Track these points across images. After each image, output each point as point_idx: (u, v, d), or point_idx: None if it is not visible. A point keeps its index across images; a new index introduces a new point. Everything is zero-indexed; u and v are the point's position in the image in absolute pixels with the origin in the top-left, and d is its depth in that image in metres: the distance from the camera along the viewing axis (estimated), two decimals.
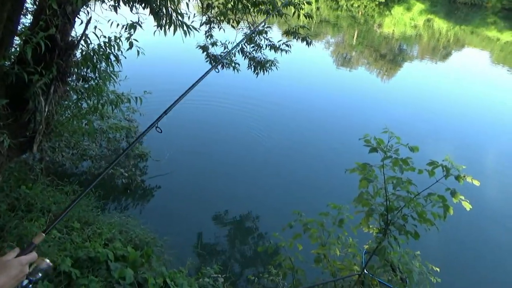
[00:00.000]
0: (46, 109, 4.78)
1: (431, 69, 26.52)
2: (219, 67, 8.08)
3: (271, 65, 8.43)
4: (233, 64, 8.39)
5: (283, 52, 8.39)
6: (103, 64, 5.41)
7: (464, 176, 3.54)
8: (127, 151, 2.34)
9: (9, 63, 4.23)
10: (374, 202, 3.79)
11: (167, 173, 8.36)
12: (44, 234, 1.46)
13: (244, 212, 8.01)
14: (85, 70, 5.45)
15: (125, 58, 5.55)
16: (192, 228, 7.17)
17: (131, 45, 5.40)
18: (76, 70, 5.39)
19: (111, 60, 5.38)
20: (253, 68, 8.43)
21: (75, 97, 5.78)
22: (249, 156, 10.63)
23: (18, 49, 4.33)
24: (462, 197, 3.53)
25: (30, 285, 1.36)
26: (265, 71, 8.35)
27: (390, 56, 28.31)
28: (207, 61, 8.36)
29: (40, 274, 1.38)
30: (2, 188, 4.75)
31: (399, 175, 3.71)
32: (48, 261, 1.42)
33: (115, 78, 5.68)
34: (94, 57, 5.23)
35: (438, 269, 4.54)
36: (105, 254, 3.32)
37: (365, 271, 4.10)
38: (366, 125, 13.13)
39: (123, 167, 7.59)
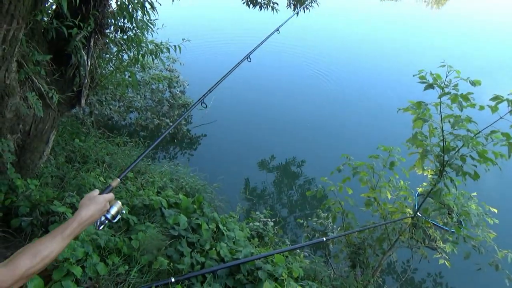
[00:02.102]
0: (89, 63, 4.85)
1: None
2: (257, 7, 7.75)
3: (312, 1, 7.93)
4: (271, 4, 8.00)
5: None
6: (139, 13, 5.32)
7: None
8: (183, 117, 2.46)
9: (47, 18, 4.24)
10: (429, 143, 3.58)
11: (211, 122, 8.43)
12: (119, 179, 1.75)
13: (289, 157, 8.02)
14: (122, 20, 5.40)
15: (160, 5, 5.41)
16: (239, 174, 7.31)
17: None
18: (113, 21, 5.35)
19: (146, 8, 5.27)
20: (292, 7, 8.00)
21: (115, 49, 5.80)
22: (293, 101, 10.43)
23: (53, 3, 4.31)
24: None
25: (106, 221, 1.61)
26: (305, 9, 7.89)
27: None
28: (244, 3, 8.02)
29: (112, 213, 1.61)
30: (58, 142, 5.00)
31: (457, 112, 3.43)
32: (120, 202, 1.66)
33: (152, 27, 5.59)
34: (129, 6, 5.14)
35: (496, 210, 4.33)
36: (158, 202, 3.45)
37: (418, 213, 3.99)
38: (417, 61, 12.35)
39: (168, 117, 7.73)
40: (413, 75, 3.50)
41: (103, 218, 1.58)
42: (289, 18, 4.52)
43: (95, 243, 2.69)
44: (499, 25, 18.02)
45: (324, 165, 6.57)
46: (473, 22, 18.18)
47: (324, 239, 3.39)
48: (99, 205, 1.49)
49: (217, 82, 2.76)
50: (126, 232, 3.07)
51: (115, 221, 1.64)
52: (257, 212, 5.00)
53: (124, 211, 1.70)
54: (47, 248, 1.29)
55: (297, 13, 8.02)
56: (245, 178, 7.17)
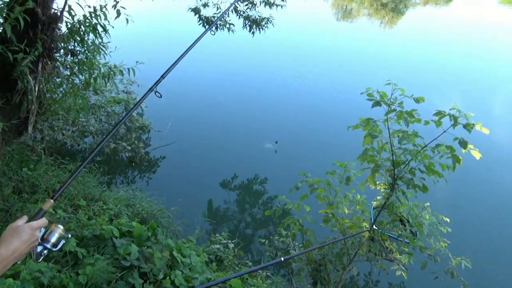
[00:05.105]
0: (37, 88, 4.66)
1: (435, 15, 25.62)
2: (213, 29, 7.80)
3: (267, 22, 8.11)
4: (227, 25, 8.08)
5: (279, 7, 8.06)
6: (91, 36, 5.21)
7: (473, 124, 3.38)
8: (127, 116, 2.25)
9: None
10: (380, 158, 3.68)
11: (171, 143, 8.29)
12: (52, 200, 1.48)
13: (251, 176, 8.00)
14: (72, 43, 5.27)
15: (113, 27, 5.34)
16: (200, 196, 7.18)
17: (118, 13, 5.17)
18: (62, 44, 5.21)
19: (98, 31, 5.17)
20: (248, 28, 8.12)
21: (66, 73, 5.64)
22: (252, 119, 10.49)
23: None
24: (472, 146, 3.39)
25: (45, 251, 1.38)
26: (261, 29, 8.04)
27: (391, 4, 27.33)
28: (200, 24, 8.06)
29: (53, 240, 1.39)
30: (4, 172, 4.72)
31: (405, 128, 3.56)
32: (61, 227, 1.43)
33: (104, 50, 5.49)
34: (81, 29, 5.03)
35: (448, 219, 4.48)
36: (110, 231, 3.30)
37: (374, 226, 4.05)
38: (371, 78, 12.82)
39: (126, 141, 7.53)
40: (361, 93, 3.61)
41: (40, 249, 1.37)
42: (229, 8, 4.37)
43: (38, 281, 2.52)
44: (448, 42, 19.22)
45: (287, 182, 6.59)
46: (424, 39, 19.27)
47: (282, 259, 3.34)
48: (24, 236, 1.27)
49: (171, 66, 2.51)
50: (73, 266, 2.90)
51: (56, 249, 1.41)
52: (217, 234, 4.91)
53: (69, 236, 1.52)
54: None
55: (253, 33, 8.18)
56: (206, 199, 7.06)
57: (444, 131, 3.43)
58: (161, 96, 2.26)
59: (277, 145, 8.98)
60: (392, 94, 3.52)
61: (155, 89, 2.28)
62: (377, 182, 3.86)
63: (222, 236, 4.83)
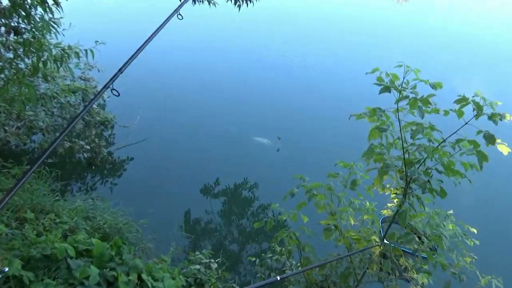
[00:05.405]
0: None
1: None
2: (190, 2, 7.83)
3: None
4: None
5: None
6: (39, 10, 5.22)
7: (500, 115, 3.44)
8: (84, 112, 2.29)
9: None
10: (389, 156, 3.73)
11: (140, 141, 8.32)
12: None
13: (238, 180, 8.05)
14: (16, 19, 5.27)
15: (66, 0, 5.36)
16: (176, 206, 7.23)
17: None
18: (3, 20, 5.21)
19: (48, 4, 5.18)
20: (233, 0, 8.14)
21: (9, 55, 5.64)
22: (238, 109, 10.51)
23: None
24: (499, 140, 3.45)
25: None
26: (249, 2, 8.06)
27: None
28: None
29: None
30: None
31: (419, 119, 3.61)
32: None
33: (56, 27, 5.50)
34: (26, 1, 5.04)
35: (475, 230, 4.56)
36: (63, 250, 3.33)
37: (385, 240, 4.11)
38: (381, 54, 12.94)
39: (84, 139, 7.54)
40: (366, 73, 3.62)
41: None
42: None
43: None
44: (468, 19, 19.41)
45: (281, 187, 6.66)
46: (439, 18, 19.44)
47: (279, 278, 3.39)
48: None
49: (130, 58, 2.53)
50: None
51: None
52: (197, 252, 4.97)
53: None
54: None
55: (239, 7, 8.20)
56: (183, 209, 7.11)
57: (466, 123, 3.48)
58: (118, 95, 2.32)
59: (272, 143, 9.02)
60: (404, 78, 3.55)
61: (111, 86, 2.33)
62: (387, 186, 3.93)
63: (203, 255, 4.89)
